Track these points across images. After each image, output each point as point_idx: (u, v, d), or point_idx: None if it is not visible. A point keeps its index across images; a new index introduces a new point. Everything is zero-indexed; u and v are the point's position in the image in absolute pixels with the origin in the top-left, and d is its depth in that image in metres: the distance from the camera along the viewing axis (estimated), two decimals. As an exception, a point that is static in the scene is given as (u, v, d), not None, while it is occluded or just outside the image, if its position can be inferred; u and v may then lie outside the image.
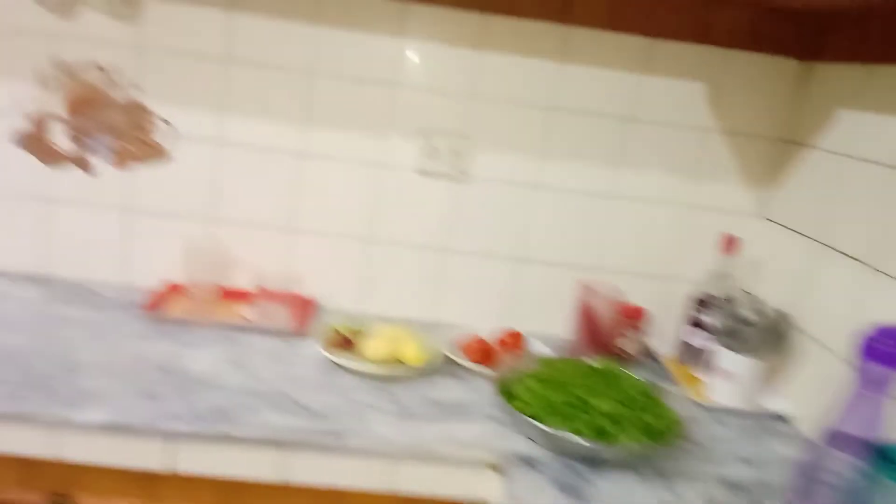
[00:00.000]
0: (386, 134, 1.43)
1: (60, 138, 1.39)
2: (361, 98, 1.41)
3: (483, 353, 1.34)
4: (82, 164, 1.41)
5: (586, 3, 1.38)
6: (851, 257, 1.19)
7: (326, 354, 1.24)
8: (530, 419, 1.05)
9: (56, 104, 1.38)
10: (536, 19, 1.39)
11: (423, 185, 1.46)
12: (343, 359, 1.25)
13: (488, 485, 1.04)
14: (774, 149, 1.46)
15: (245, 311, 1.41)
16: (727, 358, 1.28)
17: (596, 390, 1.11)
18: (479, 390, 1.24)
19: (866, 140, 1.20)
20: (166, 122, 1.40)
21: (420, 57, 1.40)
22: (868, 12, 1.23)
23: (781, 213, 1.43)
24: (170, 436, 1.00)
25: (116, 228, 1.45)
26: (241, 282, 1.48)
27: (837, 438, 0.89)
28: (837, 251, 1.23)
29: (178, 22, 1.36)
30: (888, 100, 1.16)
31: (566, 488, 0.97)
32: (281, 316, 1.37)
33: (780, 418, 1.28)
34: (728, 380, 1.28)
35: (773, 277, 1.42)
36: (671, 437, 1.07)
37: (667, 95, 1.43)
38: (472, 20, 1.38)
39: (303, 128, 1.42)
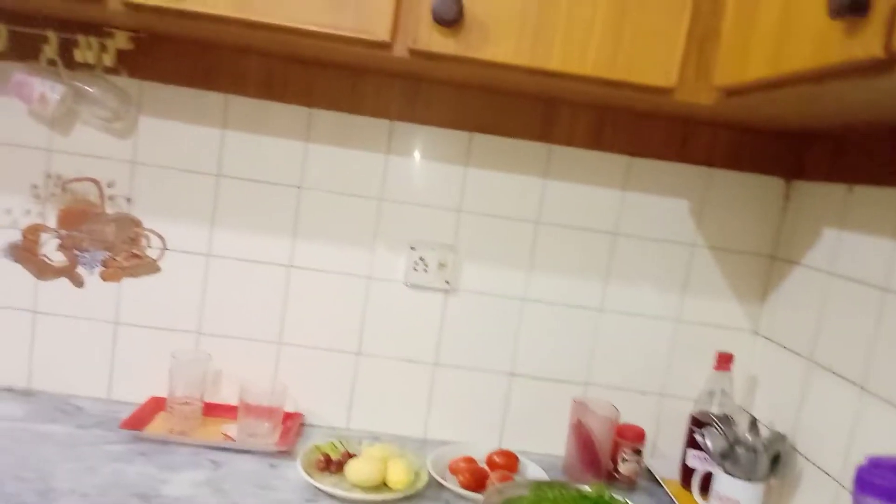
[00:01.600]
0: (373, 246, 1.44)
1: (51, 251, 1.40)
2: (349, 211, 1.43)
3: (473, 475, 1.29)
4: (72, 277, 1.41)
5: (568, 124, 1.43)
6: (844, 378, 1.17)
7: (310, 480, 1.20)
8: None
9: (49, 217, 1.39)
10: (521, 138, 1.43)
11: (411, 298, 1.46)
12: (327, 485, 1.20)
13: None
14: (763, 265, 1.47)
15: (228, 429, 1.37)
16: (726, 483, 1.24)
17: (589, 520, 1.07)
18: (468, 517, 1.19)
19: (851, 259, 1.21)
20: (157, 235, 1.41)
21: (407, 171, 1.43)
22: (846, 133, 1.26)
23: (773, 329, 1.43)
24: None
25: (102, 341, 1.43)
26: (226, 395, 1.45)
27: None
28: (830, 371, 1.21)
29: (170, 138, 1.39)
30: (869, 219, 1.17)
31: None
32: (265, 433, 1.33)
33: (782, 549, 1.23)
34: (727, 506, 1.24)
35: (769, 395, 1.40)
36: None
37: (652, 211, 1.45)
38: (458, 137, 1.42)
39: (291, 240, 1.43)
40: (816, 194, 1.35)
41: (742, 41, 1.02)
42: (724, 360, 1.39)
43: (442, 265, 1.45)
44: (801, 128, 1.31)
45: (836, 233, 1.26)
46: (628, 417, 1.45)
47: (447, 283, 1.45)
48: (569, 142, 1.44)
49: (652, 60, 1.10)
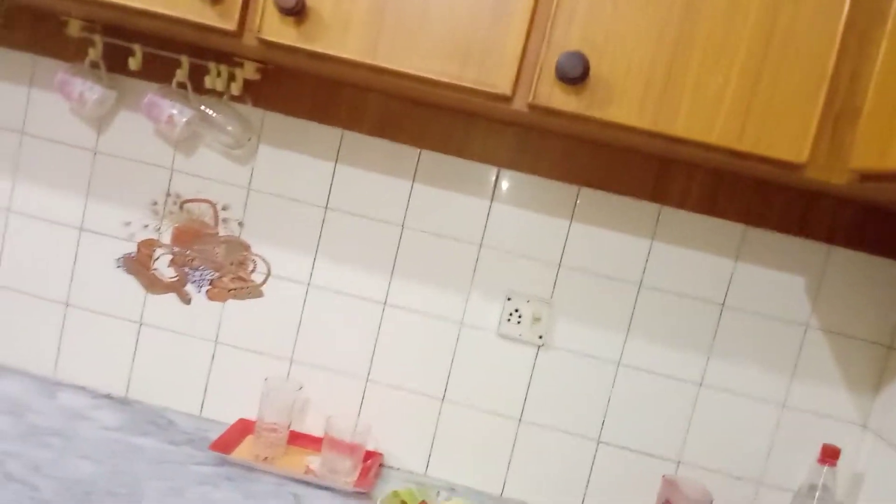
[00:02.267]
0: (469, 292, 1.43)
1: (163, 266, 1.45)
2: (448, 254, 1.43)
3: (551, 541, 1.25)
4: (180, 293, 1.46)
5: (682, 186, 1.38)
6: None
7: (387, 525, 1.19)
8: None
9: (164, 233, 1.44)
10: (630, 196, 1.39)
11: (502, 349, 1.44)
12: (404, 533, 1.19)
13: None
14: (880, 354, 1.37)
15: (311, 461, 1.38)
16: (825, 590, 1.15)
17: None
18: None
19: None
20: (263, 260, 1.44)
21: (510, 220, 1.41)
22: None
23: (885, 424, 1.32)
24: None
25: (200, 358, 1.47)
26: (311, 426, 1.46)
27: None
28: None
29: (285, 167, 1.43)
30: None
31: None
32: (346, 471, 1.33)
33: None
34: None
35: (879, 494, 1.30)
36: None
37: (764, 285, 1.38)
38: (566, 190, 1.40)
39: (388, 278, 1.44)
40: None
41: (885, 125, 0.96)
42: (830, 454, 1.29)
43: (536, 319, 1.42)
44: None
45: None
46: (720, 503, 1.37)
47: (540, 337, 1.42)
48: (681, 204, 1.39)
49: (783, 134, 1.05)
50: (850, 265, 1.37)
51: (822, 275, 1.37)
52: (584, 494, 1.44)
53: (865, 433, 1.38)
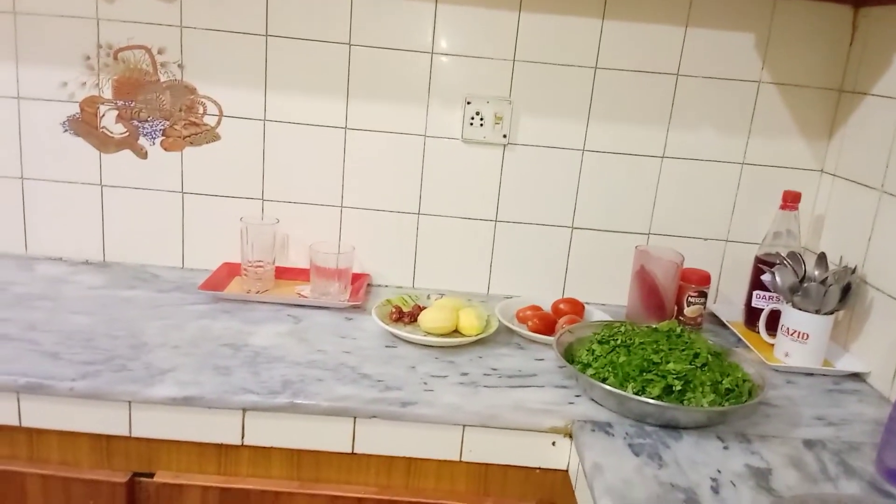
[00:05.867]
0: (427, 103, 1.42)
1: (111, 123, 1.40)
2: (400, 68, 1.40)
3: (540, 320, 1.32)
4: (134, 149, 1.42)
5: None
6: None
7: (386, 327, 1.24)
8: (599, 382, 1.04)
9: (104, 88, 1.38)
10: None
11: (469, 154, 1.45)
12: (403, 330, 1.24)
13: (561, 451, 1.03)
14: (831, 99, 1.41)
15: (302, 289, 1.41)
16: (795, 317, 1.25)
17: (662, 351, 1.09)
18: (539, 358, 1.23)
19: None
20: (213, 102, 1.40)
21: (457, 21, 1.38)
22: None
23: (841, 165, 1.39)
24: (242, 408, 1.00)
25: (171, 211, 1.46)
26: (295, 259, 1.49)
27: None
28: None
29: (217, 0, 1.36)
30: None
31: (644, 452, 0.95)
32: (336, 293, 1.37)
33: (855, 377, 1.25)
34: (797, 340, 1.25)
35: (837, 232, 1.39)
36: (745, 397, 1.05)
37: (715, 48, 1.39)
38: (516, -17, 1.36)
39: (344, 102, 1.41)
40: (886, 19, 1.27)
41: None
42: (791, 199, 1.36)
43: (498, 119, 1.42)
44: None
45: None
46: (692, 264, 1.44)
47: (505, 136, 1.43)
48: (627, -21, 1.37)
49: None
50: (795, 15, 1.38)
51: (769, 29, 1.38)
52: (565, 279, 1.51)
53: (823, 177, 1.45)
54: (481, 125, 1.43)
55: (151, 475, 1.04)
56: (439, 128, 1.43)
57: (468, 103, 1.41)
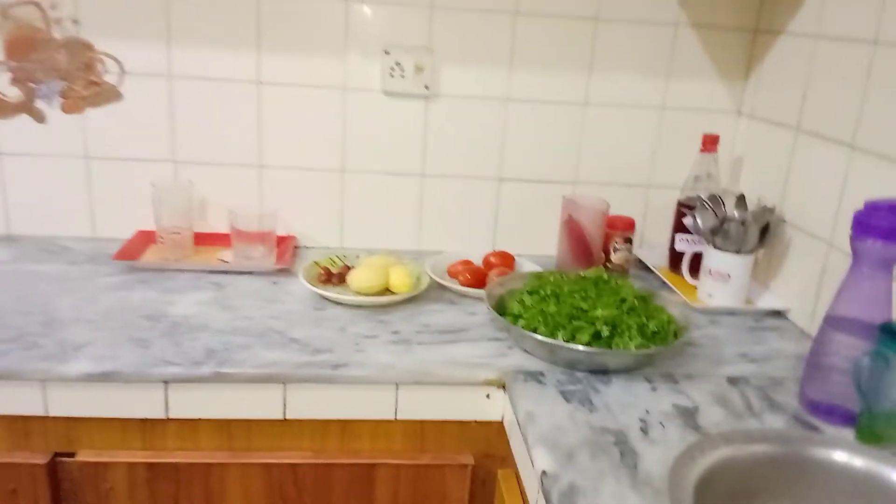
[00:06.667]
0: (345, 54, 1.37)
1: (4, 86, 1.30)
2: (314, 16, 1.34)
3: (471, 274, 1.32)
4: (32, 113, 1.32)
5: None
6: (832, 140, 1.18)
7: (313, 289, 1.21)
8: (529, 332, 1.04)
9: (-7, 49, 1.28)
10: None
11: (391, 107, 1.41)
12: (332, 292, 1.21)
13: (495, 403, 1.03)
14: (746, 40, 1.43)
15: (223, 255, 1.36)
16: (717, 258, 1.28)
17: (590, 298, 1.10)
18: (471, 312, 1.22)
19: (837, 18, 1.18)
20: (112, 58, 1.31)
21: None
22: None
23: (758, 105, 1.42)
24: (164, 381, 0.96)
25: (76, 178, 1.38)
26: (215, 224, 1.43)
27: (842, 323, 0.90)
28: (818, 136, 1.22)
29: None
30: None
31: (575, 398, 0.96)
32: (260, 257, 1.33)
33: (775, 314, 1.30)
34: (720, 280, 1.28)
35: (755, 173, 1.42)
36: (671, 339, 1.07)
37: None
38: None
39: (256, 54, 1.35)
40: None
41: None
42: (710, 142, 1.38)
43: (419, 69, 1.39)
44: None
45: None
46: (617, 211, 1.46)
47: (427, 87, 1.40)
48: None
49: None
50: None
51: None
52: (495, 231, 1.51)
53: (740, 118, 1.47)
54: (402, 77, 1.39)
55: (73, 454, 1.00)
56: (359, 80, 1.39)
57: (387, 53, 1.37)
